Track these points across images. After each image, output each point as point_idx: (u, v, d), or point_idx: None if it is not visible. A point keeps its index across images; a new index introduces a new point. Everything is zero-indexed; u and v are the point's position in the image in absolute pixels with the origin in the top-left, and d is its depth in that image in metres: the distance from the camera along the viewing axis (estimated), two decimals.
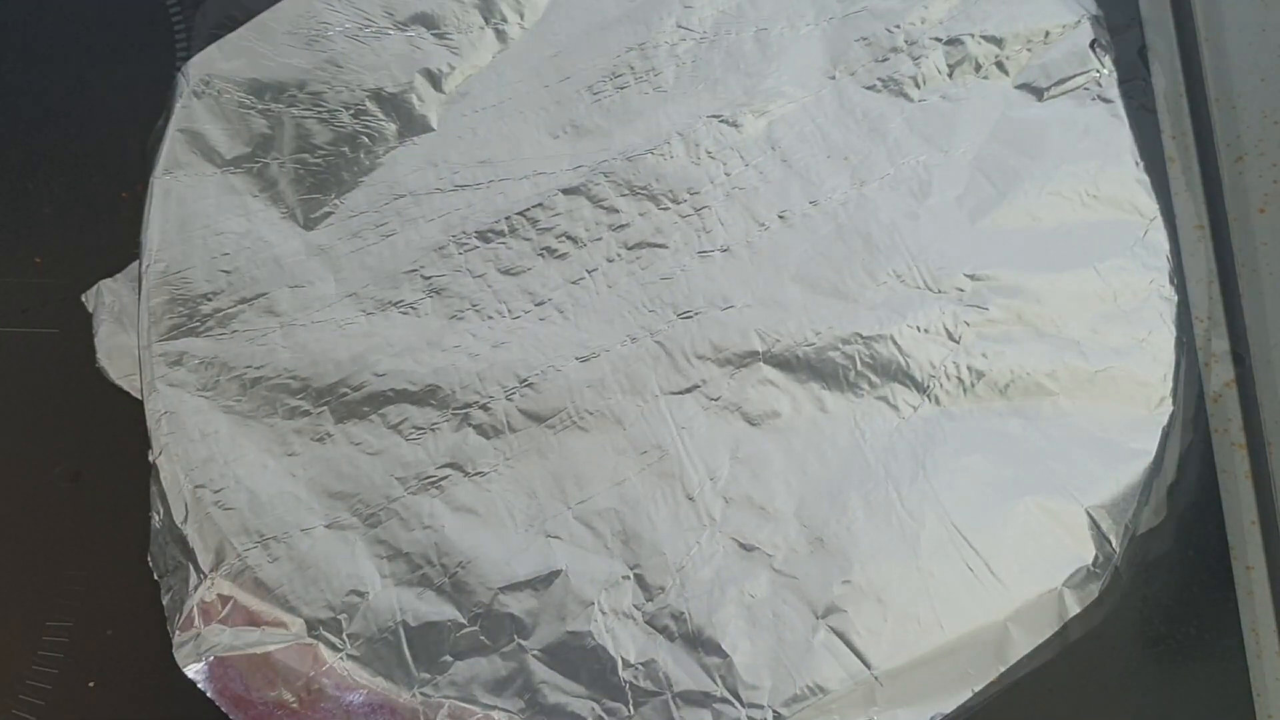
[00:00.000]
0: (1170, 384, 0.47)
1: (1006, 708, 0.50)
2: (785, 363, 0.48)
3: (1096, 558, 0.45)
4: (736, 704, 0.43)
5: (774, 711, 0.43)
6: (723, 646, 0.44)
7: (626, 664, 0.44)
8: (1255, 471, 0.60)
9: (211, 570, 0.45)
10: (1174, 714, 0.55)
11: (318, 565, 0.45)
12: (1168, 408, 0.47)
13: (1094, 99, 0.51)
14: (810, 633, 0.44)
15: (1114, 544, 0.45)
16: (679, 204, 0.51)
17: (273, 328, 0.49)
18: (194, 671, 0.45)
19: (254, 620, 0.45)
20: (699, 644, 0.44)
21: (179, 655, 0.45)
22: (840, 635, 0.44)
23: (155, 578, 0.47)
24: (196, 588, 0.45)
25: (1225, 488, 0.59)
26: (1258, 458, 0.60)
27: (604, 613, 0.44)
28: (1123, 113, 0.51)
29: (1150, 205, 0.49)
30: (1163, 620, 0.56)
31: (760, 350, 0.48)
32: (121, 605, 0.53)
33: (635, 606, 0.45)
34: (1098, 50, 0.52)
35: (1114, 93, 0.51)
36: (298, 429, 0.48)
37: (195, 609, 0.45)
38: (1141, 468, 0.46)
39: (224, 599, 0.45)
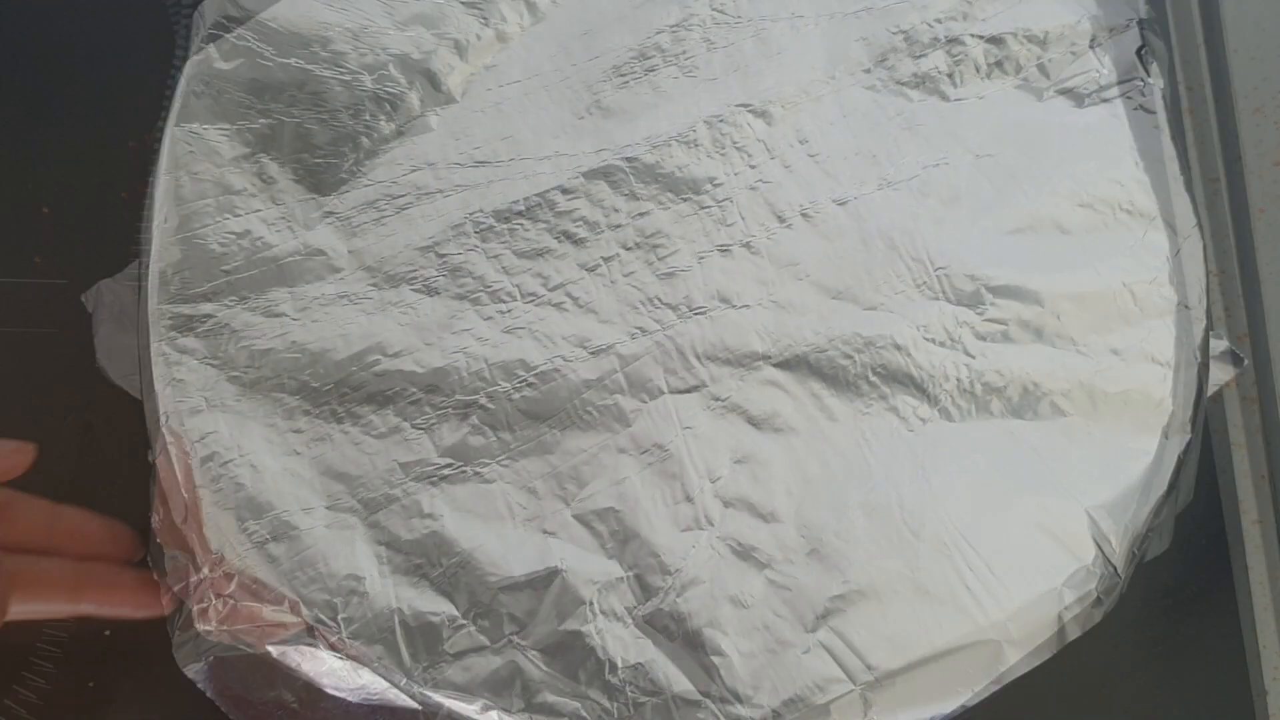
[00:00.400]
0: (1170, 385, 0.47)
1: (1006, 707, 0.50)
2: (790, 365, 0.48)
3: (1095, 560, 0.45)
4: (733, 706, 0.43)
5: (772, 711, 0.43)
6: (720, 649, 0.44)
7: (623, 665, 0.43)
8: (1255, 472, 0.60)
9: (211, 570, 0.45)
10: (1174, 714, 0.55)
11: (316, 565, 0.45)
12: (1168, 409, 0.47)
13: (1096, 100, 0.51)
14: (807, 636, 0.44)
15: (1113, 546, 0.45)
16: (699, 195, 0.51)
17: (273, 328, 0.49)
18: (194, 672, 0.45)
19: (253, 620, 0.44)
20: (696, 646, 0.44)
21: (179, 655, 0.45)
22: (837, 639, 0.44)
23: (155, 578, 0.47)
24: (196, 588, 0.45)
25: (1225, 488, 0.60)
26: (1257, 458, 0.60)
27: (601, 613, 0.44)
28: (1123, 113, 0.51)
29: (1151, 206, 0.50)
30: (1163, 620, 0.56)
31: (767, 352, 0.48)
32: None
33: (632, 607, 0.44)
34: (1097, 50, 0.52)
35: (1114, 93, 0.51)
36: (298, 429, 0.47)
37: (195, 609, 0.45)
38: (1141, 470, 0.47)
39: (223, 599, 0.45)
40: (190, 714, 0.50)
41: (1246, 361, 0.57)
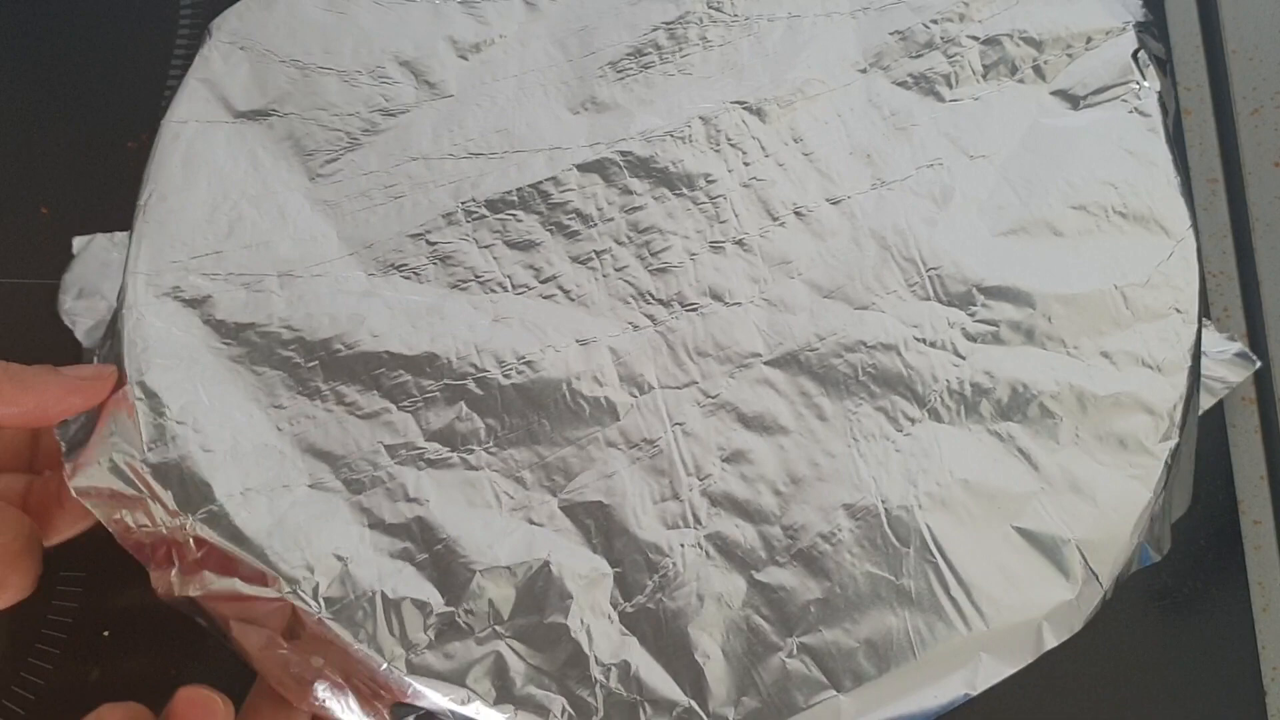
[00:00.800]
0: (1161, 389, 0.47)
1: (1002, 709, 0.51)
2: (782, 363, 0.48)
3: (1078, 566, 0.44)
4: (716, 707, 0.43)
5: (754, 713, 0.43)
6: (704, 649, 0.43)
7: (600, 663, 0.43)
8: (1254, 472, 0.60)
9: (186, 510, 0.44)
10: (1174, 713, 0.55)
11: (297, 541, 0.44)
12: (1158, 413, 0.47)
13: (1092, 102, 0.51)
14: (785, 647, 0.44)
15: (1097, 552, 0.45)
16: (694, 190, 0.51)
17: (258, 303, 0.48)
18: (175, 603, 0.44)
19: (229, 570, 0.44)
20: (681, 645, 0.44)
21: (159, 590, 0.44)
22: (822, 642, 0.43)
23: (81, 499, 0.45)
24: (171, 528, 0.44)
25: (1224, 488, 0.59)
26: (1257, 458, 0.60)
27: (582, 608, 0.44)
28: (1119, 115, 0.51)
29: (1144, 209, 0.49)
30: (1162, 620, 0.56)
31: (762, 351, 0.48)
32: (119, 607, 0.54)
33: (614, 605, 0.44)
34: (1094, 52, 0.52)
35: (1110, 95, 0.51)
36: (280, 405, 0.47)
37: (172, 549, 0.44)
38: (1129, 475, 0.46)
39: (199, 542, 0.44)
40: None
41: (1259, 363, 0.56)
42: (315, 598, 0.43)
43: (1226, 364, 0.54)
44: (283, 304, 0.48)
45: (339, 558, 0.44)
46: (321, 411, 0.47)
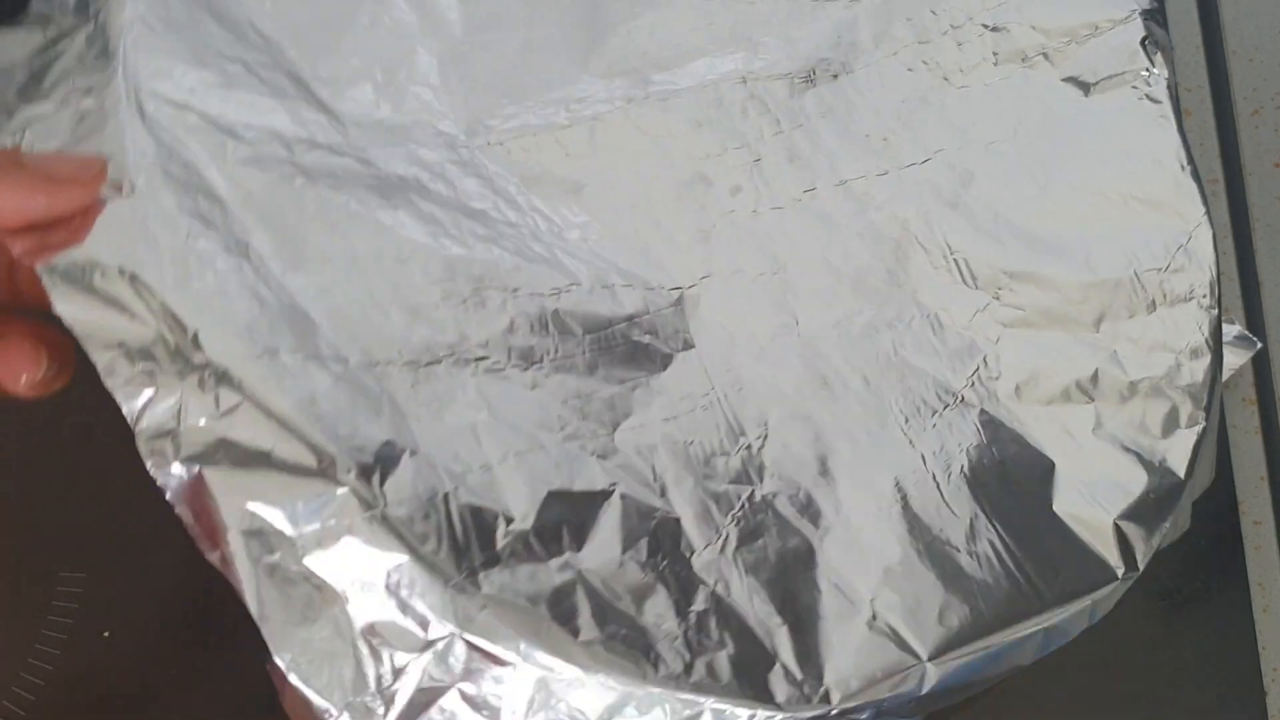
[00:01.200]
0: (1185, 372, 0.47)
1: (1006, 705, 0.50)
2: (813, 341, 0.47)
3: (1113, 544, 0.45)
4: (788, 678, 0.40)
5: (837, 673, 0.41)
6: (781, 610, 0.41)
7: (684, 611, 0.40)
8: (1254, 472, 0.60)
9: (218, 357, 0.36)
10: (1174, 713, 0.55)
11: (353, 421, 0.38)
12: (1182, 396, 0.47)
13: (1103, 89, 0.52)
14: (857, 618, 0.42)
15: (1129, 531, 0.45)
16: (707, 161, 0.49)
17: (285, 136, 0.41)
18: (168, 478, 0.35)
19: (261, 439, 0.36)
20: (751, 611, 0.41)
21: (151, 458, 0.35)
22: (886, 623, 0.42)
23: (65, 317, 0.35)
24: (192, 374, 0.36)
25: (1224, 488, 0.60)
26: (1257, 458, 0.61)
27: (658, 553, 0.41)
28: (1130, 102, 0.51)
29: (1159, 194, 0.50)
30: (1162, 621, 0.56)
31: (786, 323, 0.47)
32: (119, 607, 0.53)
33: (688, 554, 0.41)
34: (1102, 39, 0.52)
35: (1120, 82, 0.52)
36: (317, 250, 0.40)
37: (184, 403, 0.36)
38: (1157, 457, 0.47)
39: (225, 401, 0.36)
40: (188, 712, 0.50)
41: (1260, 344, 0.57)
42: (380, 491, 0.37)
43: (1227, 348, 0.54)
44: (310, 159, 0.42)
45: (395, 447, 0.38)
46: (358, 287, 0.40)
